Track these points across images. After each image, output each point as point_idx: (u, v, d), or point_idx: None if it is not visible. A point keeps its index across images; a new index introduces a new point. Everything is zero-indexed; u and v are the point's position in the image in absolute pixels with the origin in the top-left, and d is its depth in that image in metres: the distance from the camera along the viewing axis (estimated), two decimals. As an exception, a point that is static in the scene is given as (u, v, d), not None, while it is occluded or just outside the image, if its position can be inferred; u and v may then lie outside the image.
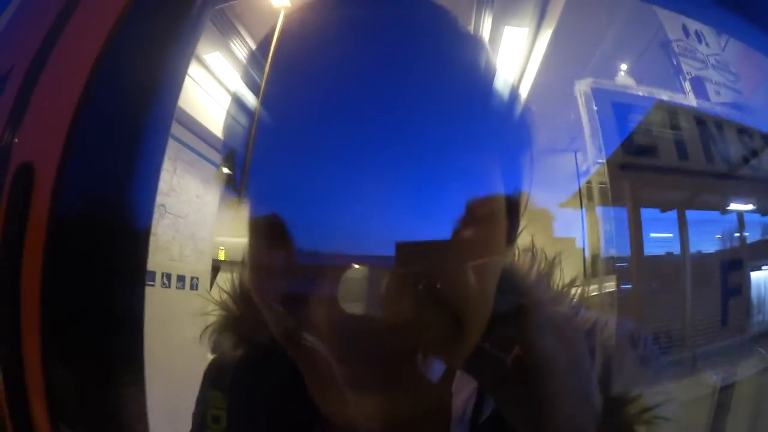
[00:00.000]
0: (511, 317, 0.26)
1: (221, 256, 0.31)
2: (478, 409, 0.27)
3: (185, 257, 0.31)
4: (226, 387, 0.29)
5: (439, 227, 0.26)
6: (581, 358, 0.27)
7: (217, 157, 0.33)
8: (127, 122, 0.28)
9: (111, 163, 0.28)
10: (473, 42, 0.32)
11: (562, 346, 0.26)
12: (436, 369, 0.25)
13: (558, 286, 0.28)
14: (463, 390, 0.27)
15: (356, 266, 0.24)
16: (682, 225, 0.42)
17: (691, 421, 0.38)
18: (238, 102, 0.34)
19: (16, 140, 0.29)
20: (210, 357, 0.30)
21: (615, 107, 0.39)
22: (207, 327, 0.29)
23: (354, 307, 0.24)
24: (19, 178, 0.28)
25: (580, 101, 0.38)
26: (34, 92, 0.30)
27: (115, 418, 0.29)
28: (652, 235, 0.40)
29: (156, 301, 0.31)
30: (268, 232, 0.26)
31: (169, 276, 0.30)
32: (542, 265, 0.28)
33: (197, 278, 0.30)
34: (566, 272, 0.30)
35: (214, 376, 0.30)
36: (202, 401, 0.29)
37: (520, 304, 0.26)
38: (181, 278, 0.30)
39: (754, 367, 0.46)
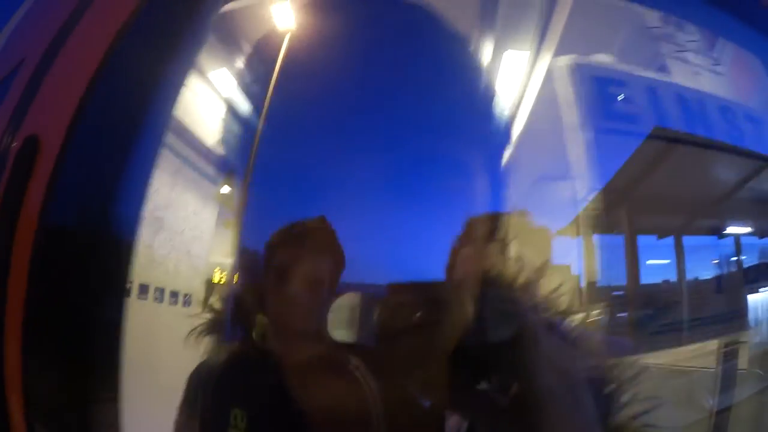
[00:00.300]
0: (507, 355, 0.26)
1: (217, 277, 0.31)
2: (472, 430, 0.27)
3: (180, 273, 0.31)
4: (245, 403, 0.28)
5: (434, 254, 0.26)
6: (582, 394, 0.26)
7: (216, 176, 0.34)
8: (124, 119, 0.29)
9: (107, 159, 0.29)
10: (470, 62, 0.32)
11: (563, 384, 0.26)
12: None
13: (544, 294, 0.28)
14: (456, 410, 0.27)
15: (348, 294, 0.25)
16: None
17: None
18: (240, 121, 0.35)
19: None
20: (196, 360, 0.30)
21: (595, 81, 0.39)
22: (193, 329, 0.28)
23: (346, 335, 0.24)
24: (25, 148, 0.28)
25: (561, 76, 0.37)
26: (46, 77, 0.32)
27: (87, 423, 0.29)
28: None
29: (147, 315, 0.31)
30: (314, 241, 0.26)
31: (162, 290, 0.30)
32: (529, 273, 0.28)
33: (190, 294, 0.30)
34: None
35: (200, 381, 0.29)
36: (209, 412, 0.28)
37: (517, 342, 0.26)
38: (174, 294, 0.30)
39: (752, 388, 0.45)
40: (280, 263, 0.26)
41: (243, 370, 0.29)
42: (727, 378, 0.44)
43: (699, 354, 0.42)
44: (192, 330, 0.28)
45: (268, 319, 0.27)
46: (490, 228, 0.27)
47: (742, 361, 0.45)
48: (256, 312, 0.28)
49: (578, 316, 0.31)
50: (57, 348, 0.30)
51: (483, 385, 0.26)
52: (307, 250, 0.26)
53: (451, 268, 0.25)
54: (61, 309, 0.30)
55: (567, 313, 0.29)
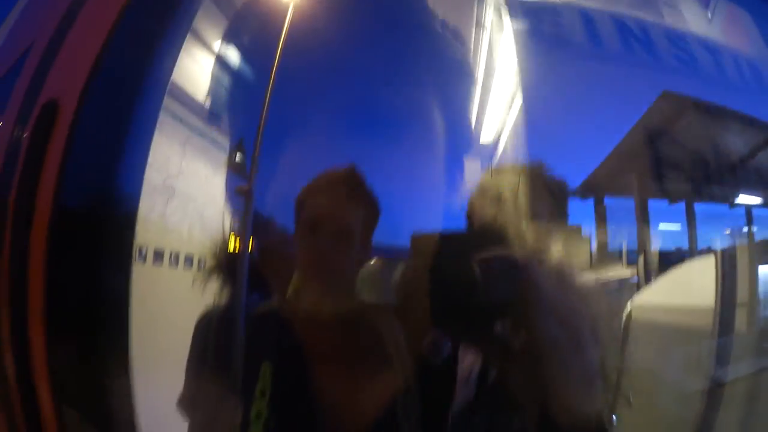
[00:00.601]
0: (515, 304, 0.26)
1: (232, 242, 0.31)
2: (484, 372, 0.27)
3: (194, 237, 0.31)
4: (273, 358, 0.28)
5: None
6: (584, 342, 0.27)
7: (226, 143, 0.34)
8: (130, 85, 0.30)
9: (116, 123, 0.29)
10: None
11: (565, 331, 0.26)
12: None
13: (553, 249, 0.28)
14: (468, 354, 0.28)
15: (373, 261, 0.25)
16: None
17: (681, 417, 0.37)
18: (248, 89, 0.35)
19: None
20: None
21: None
22: (199, 271, 0.29)
23: (371, 297, 0.25)
24: (45, 112, 0.29)
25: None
26: (62, 46, 0.33)
27: (103, 396, 0.29)
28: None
29: (162, 280, 0.32)
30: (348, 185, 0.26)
31: (177, 255, 0.30)
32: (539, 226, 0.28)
33: (205, 258, 0.30)
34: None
35: (212, 330, 0.29)
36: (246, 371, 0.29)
37: (522, 293, 0.27)
38: (189, 258, 0.30)
39: (753, 365, 0.45)
40: (309, 215, 0.26)
41: (274, 326, 0.29)
42: (726, 346, 0.43)
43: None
44: (198, 275, 0.28)
45: (299, 274, 0.27)
46: (505, 179, 0.27)
47: (741, 324, 0.44)
48: (286, 269, 0.28)
49: (586, 273, 0.31)
50: (77, 322, 0.30)
51: (498, 329, 0.26)
52: (335, 199, 0.26)
53: (469, 217, 0.26)
54: (79, 279, 0.30)
55: (574, 268, 0.30)
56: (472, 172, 0.28)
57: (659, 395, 0.34)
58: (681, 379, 0.36)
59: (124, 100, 0.30)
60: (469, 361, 0.28)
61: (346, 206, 0.26)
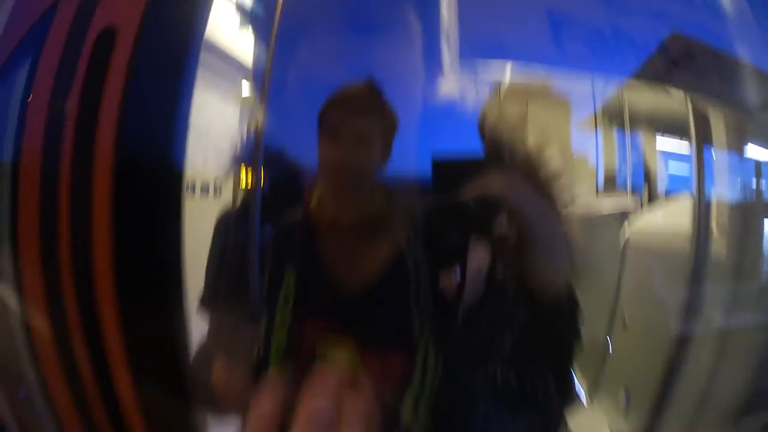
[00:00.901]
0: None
1: (244, 175, 0.32)
2: (492, 271, 0.30)
3: (209, 167, 0.32)
4: (296, 265, 0.30)
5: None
6: (559, 235, 0.30)
7: (237, 77, 0.34)
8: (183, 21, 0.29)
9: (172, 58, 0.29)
10: None
11: (545, 228, 0.29)
12: None
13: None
14: (476, 256, 0.30)
15: None
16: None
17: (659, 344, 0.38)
18: (255, 22, 0.35)
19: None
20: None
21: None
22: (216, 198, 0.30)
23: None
24: (102, 39, 0.29)
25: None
26: None
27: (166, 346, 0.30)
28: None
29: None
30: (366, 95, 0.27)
31: (193, 185, 0.32)
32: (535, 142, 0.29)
33: (221, 185, 0.32)
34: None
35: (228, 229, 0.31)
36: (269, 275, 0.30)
37: (512, 221, 0.29)
38: (205, 186, 0.32)
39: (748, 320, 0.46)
40: (329, 124, 0.28)
41: (298, 234, 0.31)
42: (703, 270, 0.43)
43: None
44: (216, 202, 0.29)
45: (321, 181, 0.29)
46: (512, 98, 0.28)
47: (719, 249, 0.44)
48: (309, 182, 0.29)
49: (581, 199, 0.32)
50: (149, 284, 0.31)
51: (500, 228, 0.28)
52: (354, 108, 0.28)
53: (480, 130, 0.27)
54: (145, 233, 0.30)
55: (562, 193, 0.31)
56: (479, 87, 0.28)
57: (646, 318, 0.36)
58: (666, 303, 0.37)
59: (176, 28, 0.29)
60: (477, 262, 0.30)
61: (364, 114, 0.28)
